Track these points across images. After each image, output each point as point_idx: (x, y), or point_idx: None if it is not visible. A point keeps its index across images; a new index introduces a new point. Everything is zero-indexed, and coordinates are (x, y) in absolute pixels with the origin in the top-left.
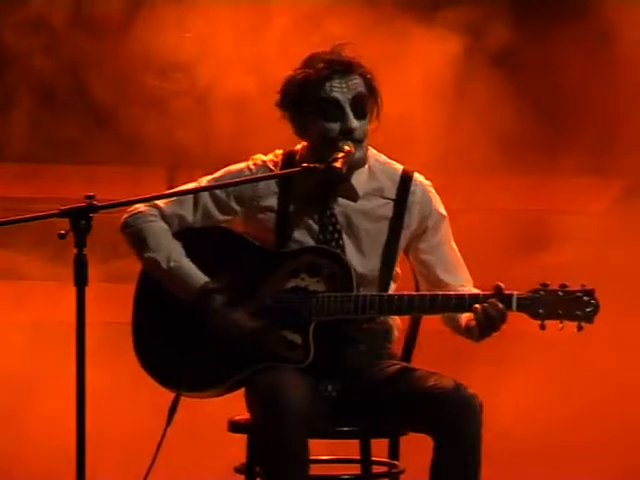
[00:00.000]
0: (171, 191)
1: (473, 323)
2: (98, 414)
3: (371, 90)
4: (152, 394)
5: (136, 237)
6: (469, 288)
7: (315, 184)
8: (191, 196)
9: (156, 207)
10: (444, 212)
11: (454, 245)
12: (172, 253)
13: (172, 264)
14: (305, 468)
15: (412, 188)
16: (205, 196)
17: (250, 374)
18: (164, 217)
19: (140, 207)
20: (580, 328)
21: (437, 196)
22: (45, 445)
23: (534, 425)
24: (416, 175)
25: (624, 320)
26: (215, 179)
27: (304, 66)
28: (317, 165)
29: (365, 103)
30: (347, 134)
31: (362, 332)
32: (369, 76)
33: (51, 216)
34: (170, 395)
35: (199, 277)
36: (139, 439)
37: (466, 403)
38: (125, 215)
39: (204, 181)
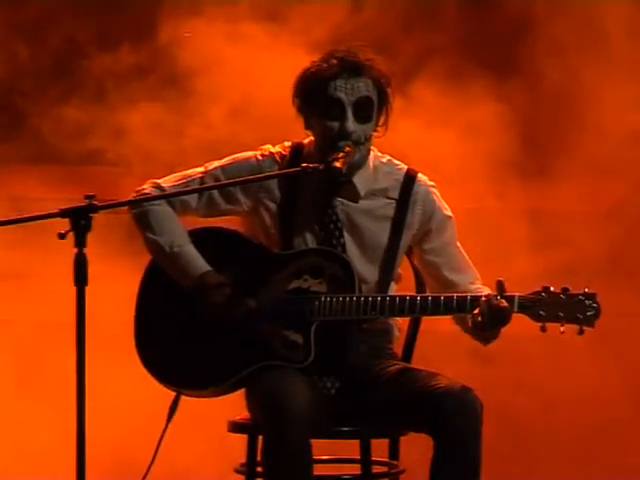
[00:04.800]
0: (180, 181)
1: (478, 319)
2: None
3: (381, 95)
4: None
5: (141, 218)
6: (478, 286)
7: (318, 182)
8: (197, 182)
9: (161, 189)
10: (449, 213)
11: (459, 245)
12: (176, 238)
13: (175, 249)
14: (309, 471)
15: (415, 188)
16: (211, 184)
17: (251, 373)
18: (168, 200)
19: (146, 188)
20: (581, 331)
21: (441, 197)
22: (46, 443)
23: (534, 425)
24: (420, 175)
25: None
26: (222, 167)
27: (320, 60)
28: (317, 165)
29: (370, 107)
30: (344, 135)
31: (363, 332)
32: (383, 81)
33: (51, 216)
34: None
35: (202, 264)
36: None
37: (466, 403)
38: (132, 196)
39: (212, 167)
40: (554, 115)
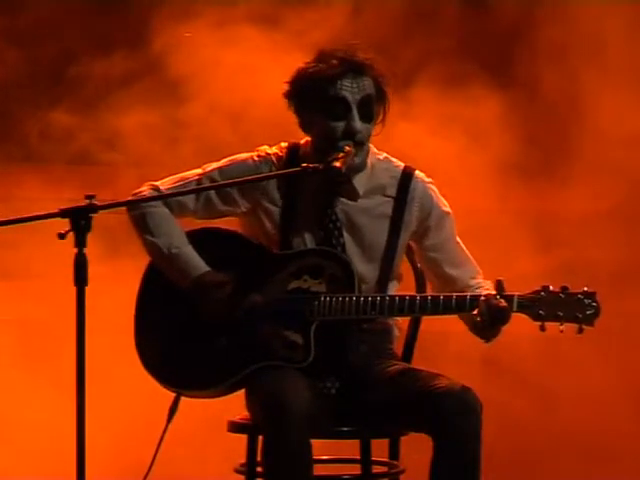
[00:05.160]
0: (177, 183)
1: (477, 319)
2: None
3: (380, 93)
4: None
5: (139, 221)
6: (479, 280)
7: (317, 182)
8: (194, 183)
9: (159, 192)
10: (447, 209)
11: (459, 240)
12: (174, 239)
13: (174, 250)
14: (309, 470)
15: (412, 185)
16: (208, 185)
17: (251, 373)
18: (165, 202)
19: (144, 191)
20: (580, 330)
21: (439, 194)
22: (44, 440)
23: (534, 425)
24: (417, 172)
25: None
26: (220, 168)
27: (316, 60)
28: (316, 165)
29: (372, 106)
30: (350, 135)
31: (363, 332)
32: (380, 79)
33: (51, 216)
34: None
35: (201, 265)
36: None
37: (466, 403)
38: (129, 198)
39: (209, 168)
40: (554, 117)
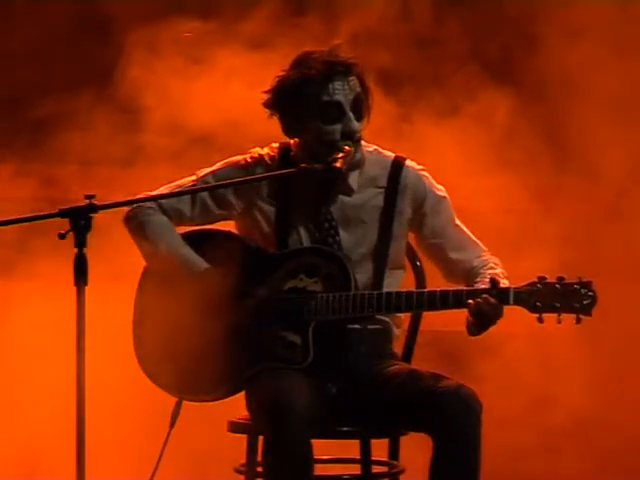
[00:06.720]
0: (173, 190)
1: (470, 318)
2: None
3: (365, 89)
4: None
5: (138, 230)
6: (484, 259)
7: (312, 182)
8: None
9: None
10: (442, 193)
11: (459, 222)
12: (172, 244)
13: (172, 252)
14: (309, 470)
15: (403, 174)
16: (204, 186)
17: (251, 376)
18: (163, 210)
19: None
20: (578, 320)
21: (432, 179)
22: (46, 443)
23: (533, 425)
24: (408, 162)
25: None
26: (213, 172)
27: (299, 66)
28: (317, 166)
29: (362, 104)
30: (349, 136)
31: (362, 333)
32: (362, 76)
33: (51, 216)
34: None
35: (200, 263)
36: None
37: (466, 403)
38: (127, 208)
39: (202, 173)
40: (559, 119)
